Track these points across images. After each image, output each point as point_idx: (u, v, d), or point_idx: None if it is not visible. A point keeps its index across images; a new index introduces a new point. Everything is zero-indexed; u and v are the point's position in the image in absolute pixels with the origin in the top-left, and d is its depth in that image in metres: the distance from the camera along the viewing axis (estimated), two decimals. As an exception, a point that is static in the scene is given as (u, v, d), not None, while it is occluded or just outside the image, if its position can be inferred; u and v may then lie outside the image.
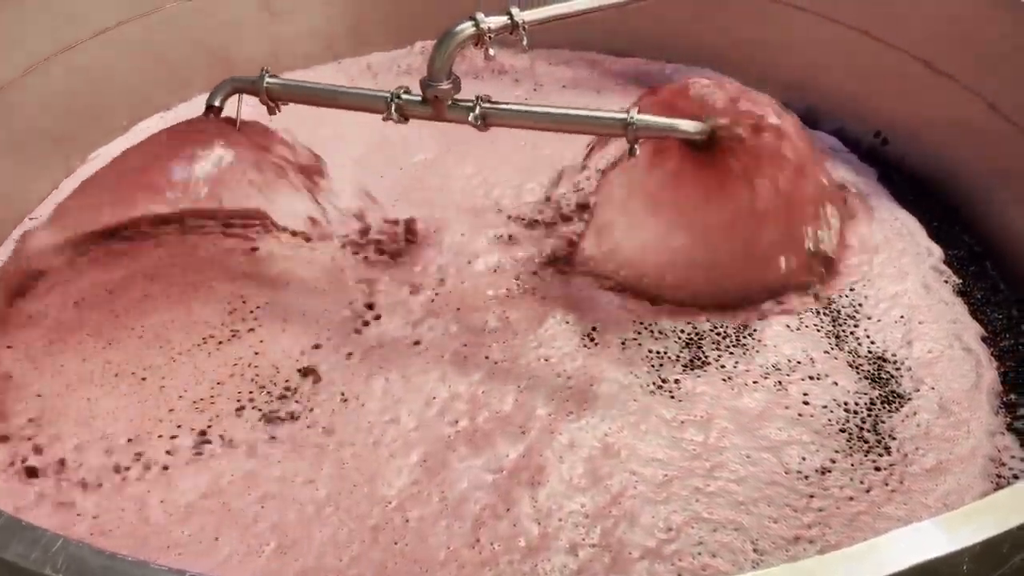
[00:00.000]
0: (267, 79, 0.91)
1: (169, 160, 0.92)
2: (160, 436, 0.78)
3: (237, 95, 0.94)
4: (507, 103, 0.85)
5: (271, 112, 0.93)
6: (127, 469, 0.76)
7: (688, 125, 0.85)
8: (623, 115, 0.82)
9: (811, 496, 0.75)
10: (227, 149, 0.93)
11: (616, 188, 0.95)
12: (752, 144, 0.86)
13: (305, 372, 0.84)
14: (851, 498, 0.75)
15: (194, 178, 0.91)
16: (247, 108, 0.95)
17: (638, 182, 0.92)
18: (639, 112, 0.82)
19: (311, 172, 1.00)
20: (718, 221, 0.88)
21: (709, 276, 0.90)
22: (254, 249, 0.95)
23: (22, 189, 1.02)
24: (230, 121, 0.95)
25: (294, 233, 0.97)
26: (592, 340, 0.87)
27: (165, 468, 0.76)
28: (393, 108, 0.86)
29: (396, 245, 0.98)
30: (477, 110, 0.84)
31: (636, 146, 0.83)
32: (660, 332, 0.88)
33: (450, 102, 0.84)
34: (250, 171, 0.94)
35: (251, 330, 0.88)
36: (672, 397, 0.82)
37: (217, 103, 0.95)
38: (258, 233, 0.95)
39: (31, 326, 0.87)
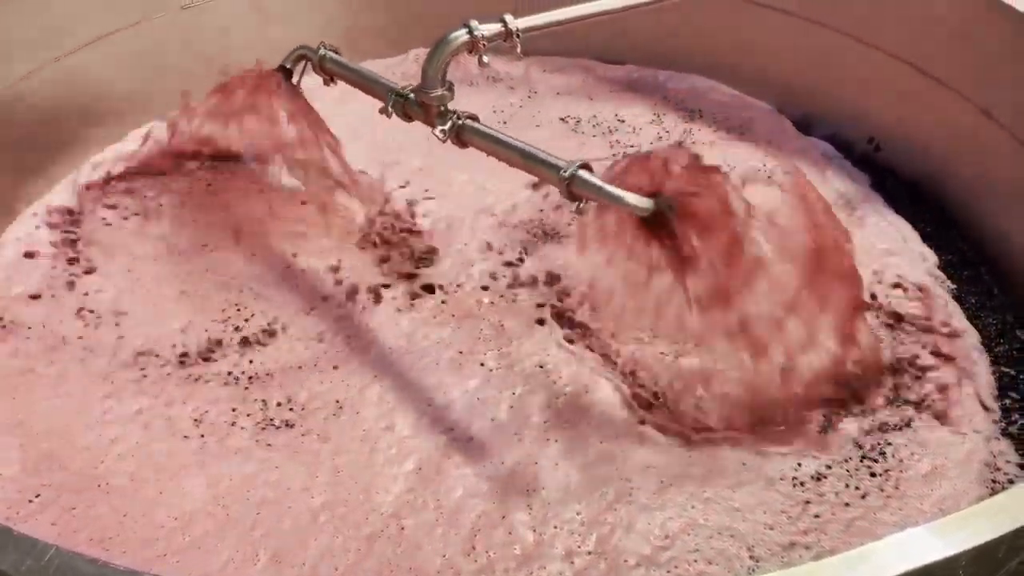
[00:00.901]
0: (323, 50, 0.95)
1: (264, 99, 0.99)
2: (156, 442, 0.78)
3: (303, 61, 0.99)
4: (481, 126, 0.82)
5: (326, 83, 0.97)
6: (125, 474, 0.76)
7: (632, 199, 0.73)
8: (561, 164, 0.75)
9: (807, 502, 0.75)
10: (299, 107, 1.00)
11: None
12: (710, 226, 0.73)
13: (300, 379, 0.84)
14: (847, 504, 0.75)
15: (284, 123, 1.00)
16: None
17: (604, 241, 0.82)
18: (585, 171, 0.74)
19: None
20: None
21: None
22: (303, 202, 1.01)
23: (15, 195, 1.02)
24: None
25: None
26: (588, 347, 0.87)
27: (163, 474, 0.76)
28: (391, 103, 0.87)
29: (393, 252, 0.98)
30: (448, 125, 0.82)
31: (581, 204, 0.74)
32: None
33: (442, 109, 0.84)
34: (321, 133, 1.00)
35: (245, 339, 0.87)
36: (667, 404, 0.82)
37: (288, 65, 1.00)
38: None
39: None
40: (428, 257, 0.97)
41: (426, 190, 1.05)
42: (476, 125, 0.83)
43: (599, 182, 0.74)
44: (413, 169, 1.08)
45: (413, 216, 1.02)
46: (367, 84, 0.93)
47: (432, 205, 1.03)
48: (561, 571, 0.70)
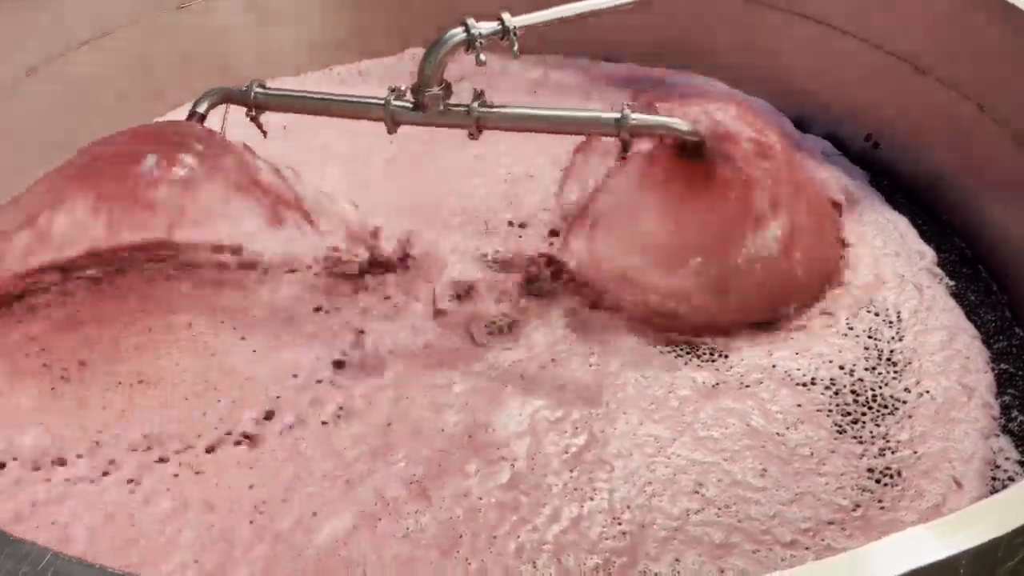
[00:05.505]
0: (256, 89, 0.89)
1: (135, 169, 0.85)
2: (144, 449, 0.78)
3: (225, 104, 0.92)
4: (502, 106, 0.84)
5: (263, 132, 0.90)
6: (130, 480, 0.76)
7: (682, 124, 0.86)
8: (616, 114, 0.83)
9: (806, 501, 0.75)
10: (200, 162, 0.86)
11: (608, 198, 0.93)
12: (741, 155, 0.86)
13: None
14: (846, 502, 0.75)
15: (163, 193, 0.84)
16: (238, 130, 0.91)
17: (629, 192, 0.91)
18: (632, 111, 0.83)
19: (284, 194, 0.92)
20: (714, 229, 0.86)
21: (715, 289, 0.86)
22: (219, 284, 0.87)
23: (11, 196, 1.02)
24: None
25: (258, 268, 0.89)
26: (591, 362, 0.86)
27: (168, 480, 0.76)
28: (388, 114, 0.85)
29: (381, 265, 0.93)
30: (473, 114, 0.83)
31: (629, 145, 0.84)
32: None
33: (441, 107, 0.84)
34: (223, 189, 0.87)
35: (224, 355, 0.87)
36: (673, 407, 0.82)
37: (202, 110, 0.92)
38: (227, 263, 0.88)
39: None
40: (414, 269, 0.93)
41: (407, 203, 1.00)
42: (499, 108, 0.85)
43: (652, 116, 0.86)
44: (391, 180, 1.04)
45: (397, 230, 0.96)
46: (332, 106, 0.88)
47: (416, 215, 0.99)
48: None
